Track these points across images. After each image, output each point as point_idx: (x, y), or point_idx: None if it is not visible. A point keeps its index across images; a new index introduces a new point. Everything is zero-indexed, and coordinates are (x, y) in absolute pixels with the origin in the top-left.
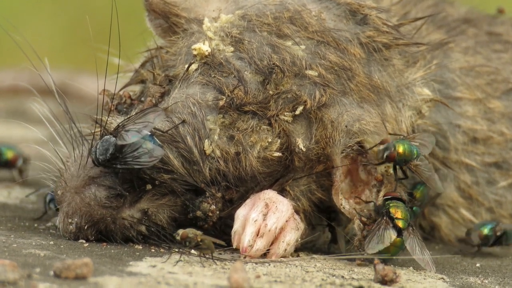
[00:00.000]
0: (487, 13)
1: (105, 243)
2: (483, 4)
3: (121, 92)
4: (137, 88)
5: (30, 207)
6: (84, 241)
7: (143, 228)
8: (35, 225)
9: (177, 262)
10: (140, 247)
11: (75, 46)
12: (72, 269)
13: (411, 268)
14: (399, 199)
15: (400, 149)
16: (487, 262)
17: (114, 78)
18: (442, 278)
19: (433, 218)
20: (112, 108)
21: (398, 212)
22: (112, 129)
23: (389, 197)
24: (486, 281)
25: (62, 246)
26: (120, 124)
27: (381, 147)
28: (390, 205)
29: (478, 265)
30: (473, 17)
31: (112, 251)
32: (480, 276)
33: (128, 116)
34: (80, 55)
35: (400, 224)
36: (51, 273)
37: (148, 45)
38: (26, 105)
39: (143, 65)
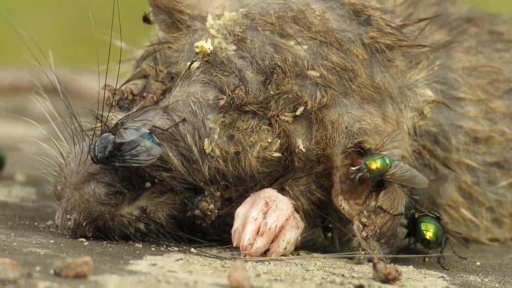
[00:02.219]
0: (488, 12)
1: (105, 242)
2: (483, 3)
3: (123, 88)
4: (139, 82)
5: (30, 206)
6: (84, 240)
7: (141, 226)
8: (35, 223)
9: (177, 260)
10: (140, 246)
11: (75, 44)
12: (72, 267)
13: (411, 266)
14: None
15: (373, 166)
16: (487, 260)
17: (115, 73)
18: (442, 276)
19: None
20: (114, 104)
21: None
22: (112, 126)
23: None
24: (486, 280)
25: (62, 245)
26: (119, 122)
27: (353, 168)
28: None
29: (478, 263)
30: (474, 16)
31: (112, 249)
32: (480, 274)
33: (127, 114)
34: (80, 53)
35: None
36: (51, 271)
37: (151, 39)
38: (26, 104)
39: (143, 58)
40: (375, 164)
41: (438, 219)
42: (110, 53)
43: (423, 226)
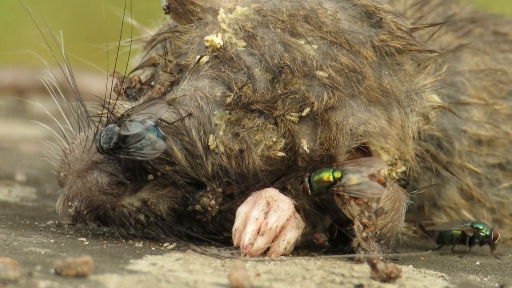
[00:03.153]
0: (491, 12)
1: (105, 241)
2: (486, 3)
3: (131, 75)
4: (147, 70)
5: (30, 205)
6: (84, 239)
7: (142, 217)
8: (36, 223)
9: (178, 260)
10: (141, 245)
11: (76, 43)
12: (72, 267)
13: (411, 266)
14: None
15: (315, 178)
16: (487, 260)
17: (122, 64)
18: (442, 276)
19: (434, 218)
20: (122, 92)
21: None
22: (118, 117)
23: None
24: (486, 279)
25: (62, 244)
26: (124, 113)
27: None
28: None
29: (478, 263)
30: (478, 16)
31: (113, 249)
32: (479, 274)
33: (133, 106)
34: (82, 53)
35: None
36: (52, 271)
37: (162, 22)
38: (26, 103)
39: (153, 44)
40: (318, 177)
41: None
42: (117, 48)
43: None
